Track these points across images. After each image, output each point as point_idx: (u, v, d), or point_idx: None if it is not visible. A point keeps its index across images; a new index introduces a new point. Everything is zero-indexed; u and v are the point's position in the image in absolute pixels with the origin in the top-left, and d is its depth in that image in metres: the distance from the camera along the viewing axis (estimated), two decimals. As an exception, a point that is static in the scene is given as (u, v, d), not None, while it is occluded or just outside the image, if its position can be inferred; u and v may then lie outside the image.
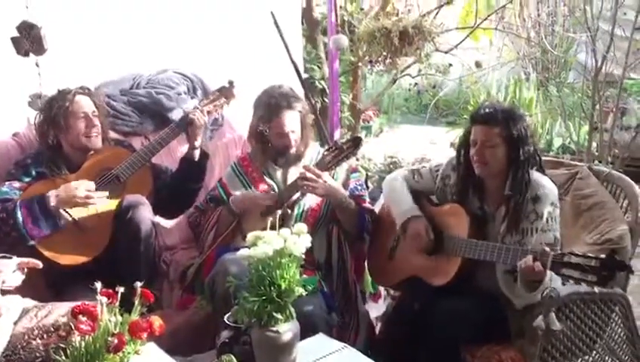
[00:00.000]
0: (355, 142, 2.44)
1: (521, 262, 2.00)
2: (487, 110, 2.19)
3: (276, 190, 2.54)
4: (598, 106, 4.39)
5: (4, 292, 1.84)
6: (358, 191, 2.59)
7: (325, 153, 2.46)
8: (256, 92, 2.60)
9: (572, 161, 2.88)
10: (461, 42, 4.38)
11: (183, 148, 2.82)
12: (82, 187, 2.37)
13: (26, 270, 1.87)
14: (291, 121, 2.49)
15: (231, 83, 2.75)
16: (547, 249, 1.97)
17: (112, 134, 2.77)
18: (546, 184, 2.19)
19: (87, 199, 2.36)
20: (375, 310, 2.78)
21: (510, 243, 2.15)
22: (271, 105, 2.49)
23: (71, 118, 2.50)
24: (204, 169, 2.73)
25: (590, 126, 4.49)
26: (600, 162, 4.19)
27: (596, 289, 1.90)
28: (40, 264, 1.90)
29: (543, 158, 2.34)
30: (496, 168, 2.19)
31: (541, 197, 2.15)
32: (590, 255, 1.89)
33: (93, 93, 2.62)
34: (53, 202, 2.35)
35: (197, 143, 2.65)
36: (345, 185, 2.57)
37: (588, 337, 2.20)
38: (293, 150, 2.53)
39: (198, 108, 2.67)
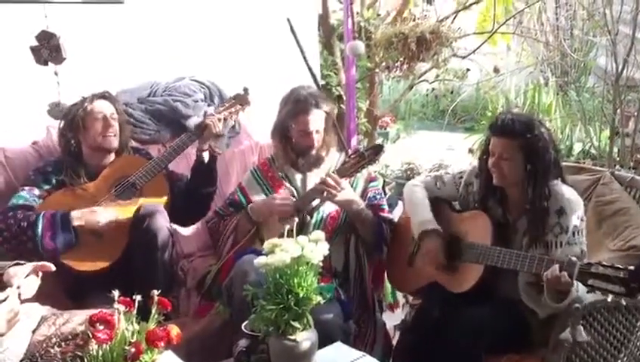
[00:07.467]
0: (376, 150, 2.42)
1: (548, 272, 1.95)
2: (505, 121, 2.14)
3: (296, 195, 2.52)
4: (619, 111, 4.33)
5: (23, 301, 1.84)
6: (376, 200, 2.56)
7: (346, 160, 2.45)
8: (273, 99, 2.59)
9: (594, 167, 2.83)
10: (479, 47, 4.35)
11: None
12: (104, 216, 2.41)
13: (40, 274, 1.83)
14: (316, 121, 2.48)
15: (245, 90, 2.77)
16: (574, 259, 1.92)
17: (130, 142, 2.78)
18: (570, 196, 2.13)
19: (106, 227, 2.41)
20: (392, 319, 2.75)
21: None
22: (299, 101, 2.48)
23: (89, 119, 2.52)
24: (215, 171, 2.72)
25: (611, 131, 4.43)
26: (622, 167, 4.13)
27: (623, 301, 1.85)
28: (53, 267, 1.85)
29: (565, 164, 2.29)
30: (513, 179, 2.15)
31: (566, 210, 2.10)
32: (619, 266, 1.84)
33: (113, 98, 2.64)
34: (75, 223, 2.38)
35: (205, 146, 2.65)
36: (364, 193, 2.55)
37: (612, 346, 2.15)
38: (314, 151, 2.51)
39: (213, 114, 2.69)
